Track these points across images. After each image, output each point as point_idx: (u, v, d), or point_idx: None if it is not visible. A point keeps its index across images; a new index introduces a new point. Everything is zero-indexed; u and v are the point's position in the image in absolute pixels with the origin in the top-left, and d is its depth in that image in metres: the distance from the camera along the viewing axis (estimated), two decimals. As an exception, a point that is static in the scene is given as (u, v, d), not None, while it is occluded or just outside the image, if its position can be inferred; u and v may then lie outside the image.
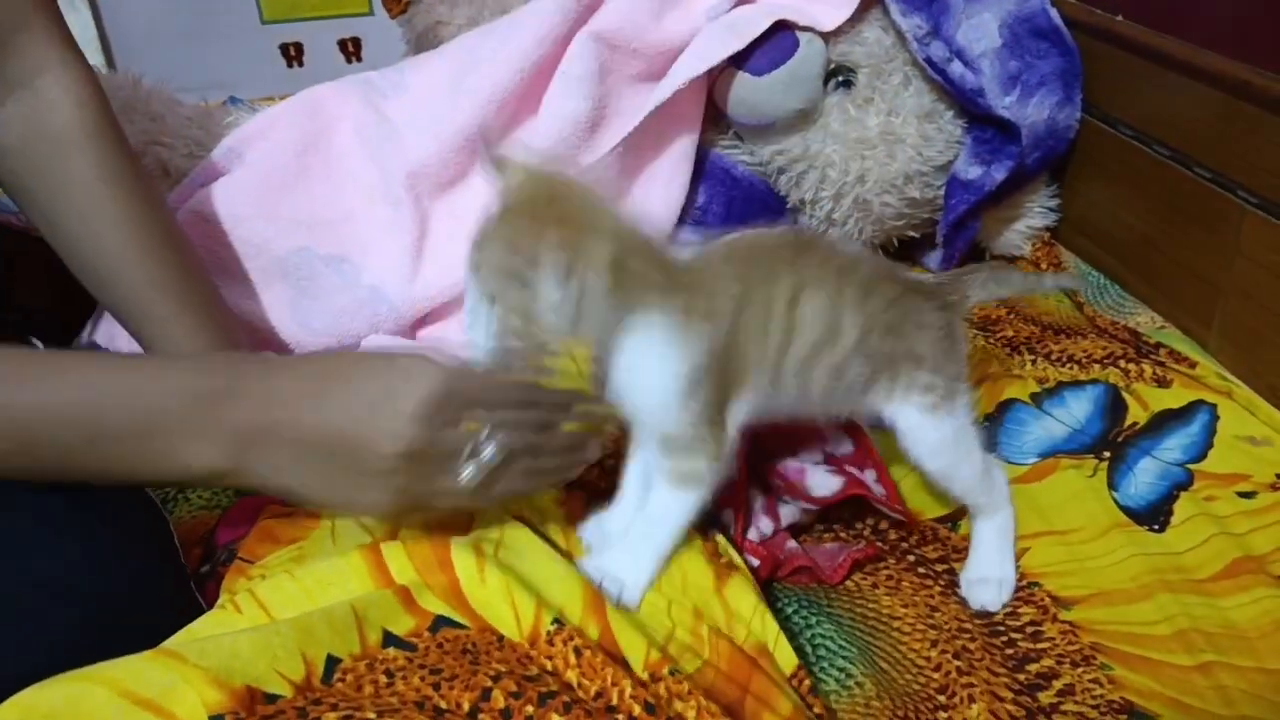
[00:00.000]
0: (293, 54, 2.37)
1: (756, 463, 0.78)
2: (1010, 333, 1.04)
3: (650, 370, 0.61)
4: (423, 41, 1.15)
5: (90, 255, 0.74)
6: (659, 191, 0.99)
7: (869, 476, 0.78)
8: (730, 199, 1.04)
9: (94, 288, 0.77)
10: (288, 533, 0.70)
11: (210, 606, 0.65)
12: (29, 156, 0.73)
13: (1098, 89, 1.08)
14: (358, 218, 0.95)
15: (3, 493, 0.57)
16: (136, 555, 0.63)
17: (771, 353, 0.64)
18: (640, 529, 0.66)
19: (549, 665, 0.56)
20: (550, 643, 0.57)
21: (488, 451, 0.58)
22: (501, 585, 0.59)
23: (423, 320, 0.94)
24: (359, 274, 0.92)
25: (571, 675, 0.56)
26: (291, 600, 0.58)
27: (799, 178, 1.04)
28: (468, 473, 0.58)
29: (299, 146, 0.96)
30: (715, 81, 1.00)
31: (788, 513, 0.77)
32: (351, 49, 2.40)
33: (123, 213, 0.74)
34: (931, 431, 0.70)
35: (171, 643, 0.54)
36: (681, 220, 1.01)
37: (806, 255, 0.66)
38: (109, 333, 0.90)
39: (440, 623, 0.58)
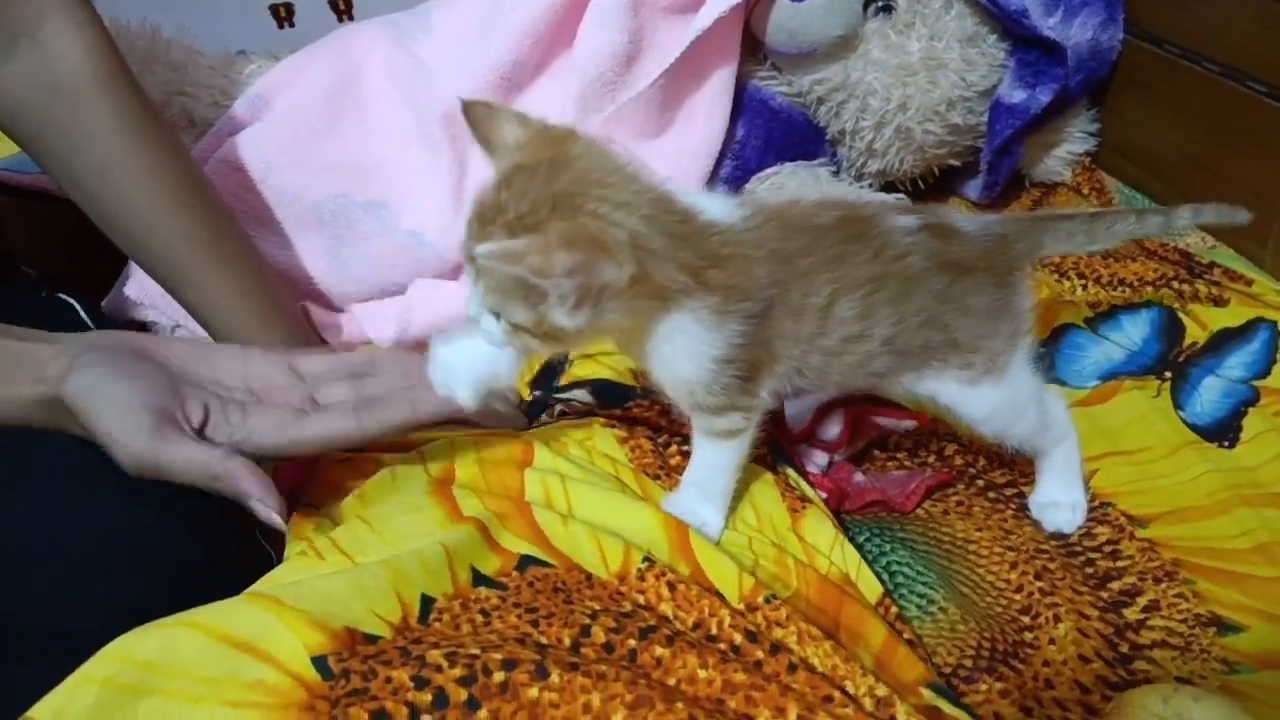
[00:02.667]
0: (283, 14, 2.31)
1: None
2: (1057, 258, 1.02)
3: (680, 359, 0.58)
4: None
5: (117, 211, 0.72)
6: (699, 126, 0.97)
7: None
8: (769, 131, 1.02)
9: (124, 244, 0.75)
10: (348, 478, 0.69)
11: (278, 553, 0.65)
12: (41, 111, 0.69)
13: (1140, 7, 1.05)
14: (393, 162, 0.92)
15: (56, 455, 0.56)
16: (200, 508, 0.62)
17: (800, 344, 0.60)
18: (697, 473, 0.65)
19: (642, 600, 0.56)
20: (641, 578, 0.56)
21: None
22: (584, 526, 0.58)
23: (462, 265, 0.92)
24: (398, 219, 0.90)
25: (666, 608, 0.55)
26: (375, 549, 0.57)
27: (839, 107, 1.02)
28: None
29: (329, 91, 0.94)
30: (753, 10, 0.98)
31: (824, 428, 0.76)
32: (343, 6, 2.35)
33: (146, 164, 0.71)
34: (975, 403, 0.66)
35: (261, 586, 0.53)
36: (721, 155, 0.99)
37: (851, 245, 0.60)
38: (140, 287, 0.88)
39: (526, 561, 0.57)
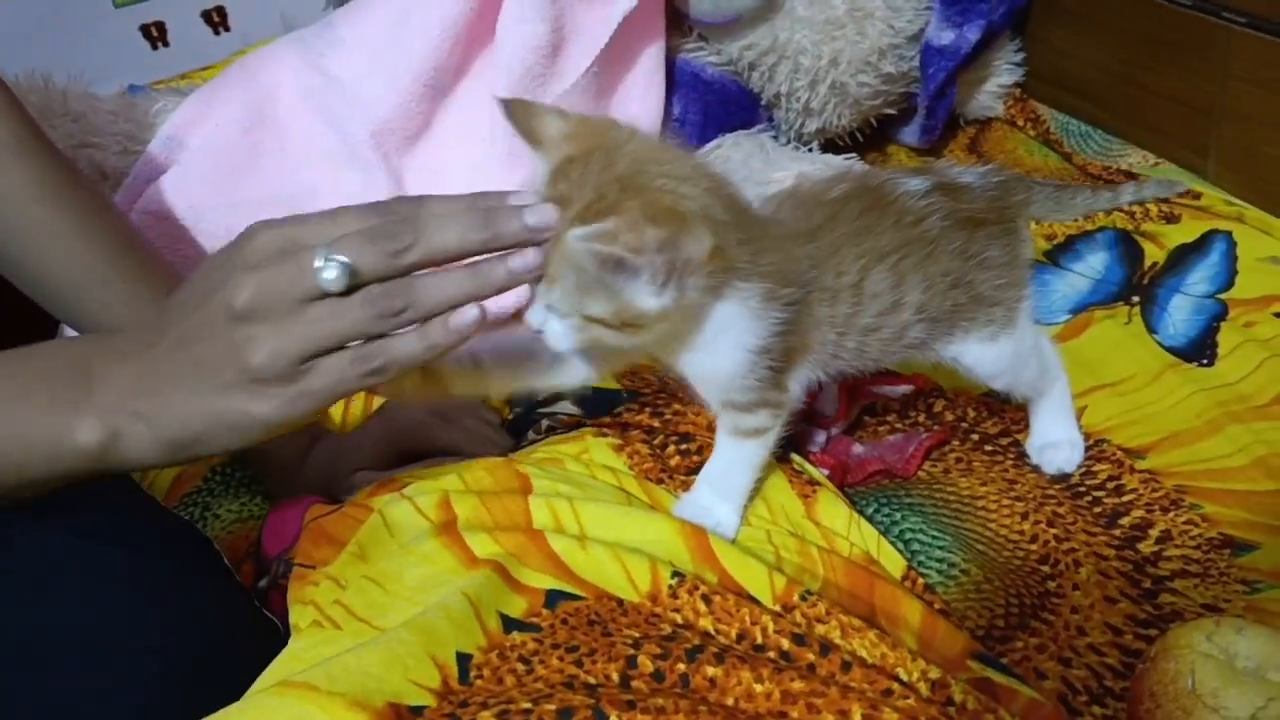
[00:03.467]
0: (155, 34, 2.21)
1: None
2: (1003, 195, 1.02)
3: (722, 346, 0.56)
4: (345, -12, 1.06)
5: (45, 278, 0.68)
6: (634, 109, 0.94)
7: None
8: (706, 104, 1.00)
9: (58, 311, 0.70)
10: (339, 529, 0.66)
11: (280, 621, 0.62)
12: None
13: (1052, -68, 1.05)
14: (325, 188, 0.88)
15: (48, 552, 0.53)
16: (199, 590, 0.59)
17: (838, 325, 0.60)
18: (715, 470, 0.64)
19: (679, 619, 0.54)
20: (674, 596, 0.55)
21: (330, 271, 0.45)
22: (603, 547, 0.56)
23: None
24: (339, 250, 0.86)
25: (706, 623, 0.54)
26: (393, 610, 0.54)
27: (771, 70, 1.00)
28: (327, 276, 0.46)
29: (244, 123, 0.89)
30: (672, -17, 0.95)
31: (822, 400, 0.75)
32: (217, 19, 2.25)
33: (71, 228, 0.67)
34: (992, 359, 0.67)
35: (289, 670, 0.50)
36: (661, 135, 0.97)
37: (871, 216, 0.60)
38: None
39: (554, 597, 0.55)
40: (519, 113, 0.53)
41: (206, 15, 2.21)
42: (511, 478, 0.63)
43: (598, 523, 0.60)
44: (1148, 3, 0.95)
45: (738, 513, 0.63)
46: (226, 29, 2.25)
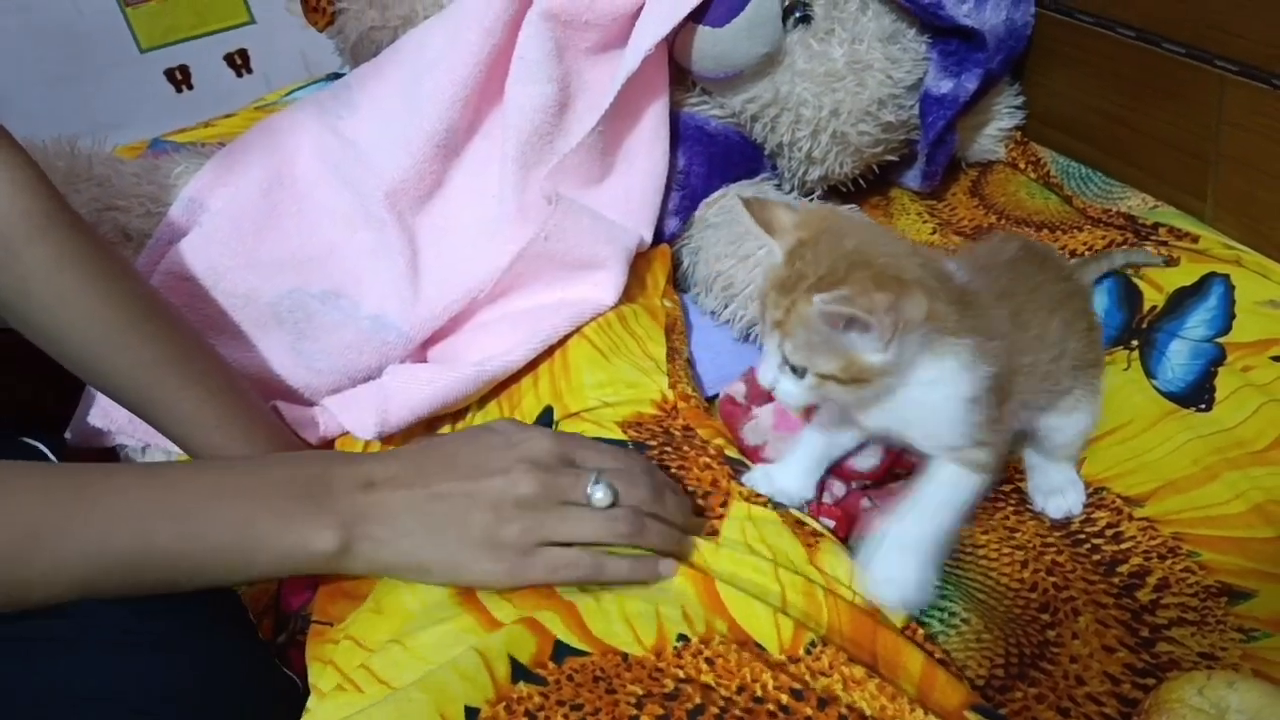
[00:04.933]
0: (179, 78, 2.26)
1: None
2: (1005, 238, 1.04)
3: (939, 401, 0.62)
4: (359, 50, 1.10)
5: (73, 346, 0.70)
6: (641, 164, 0.97)
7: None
8: (710, 157, 1.02)
9: (86, 377, 0.74)
10: (355, 584, 0.68)
11: (299, 677, 0.64)
12: None
13: (1047, -20, 1.07)
14: (342, 249, 0.91)
15: (66, 621, 0.55)
16: (222, 646, 0.61)
17: (1029, 376, 0.67)
18: (912, 517, 0.66)
19: (682, 674, 0.56)
20: (679, 655, 0.57)
21: (600, 491, 0.60)
22: (615, 605, 0.58)
23: (429, 339, 0.91)
24: (357, 306, 0.89)
25: (708, 678, 0.55)
26: (410, 670, 0.56)
27: (773, 122, 1.02)
28: (598, 495, 0.60)
29: (264, 185, 0.92)
30: (675, 41, 0.98)
31: (861, 463, 0.77)
32: (240, 61, 2.30)
33: (96, 296, 0.70)
34: (1068, 430, 0.73)
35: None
36: (666, 188, 0.99)
37: (1043, 274, 0.70)
38: (105, 414, 0.85)
39: (562, 651, 0.56)
40: (755, 208, 0.64)
41: (229, 58, 2.28)
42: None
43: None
44: (1142, 49, 0.97)
45: (929, 585, 0.66)
46: (249, 71, 2.31)
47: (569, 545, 0.60)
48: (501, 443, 0.61)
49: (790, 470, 0.73)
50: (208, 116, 1.42)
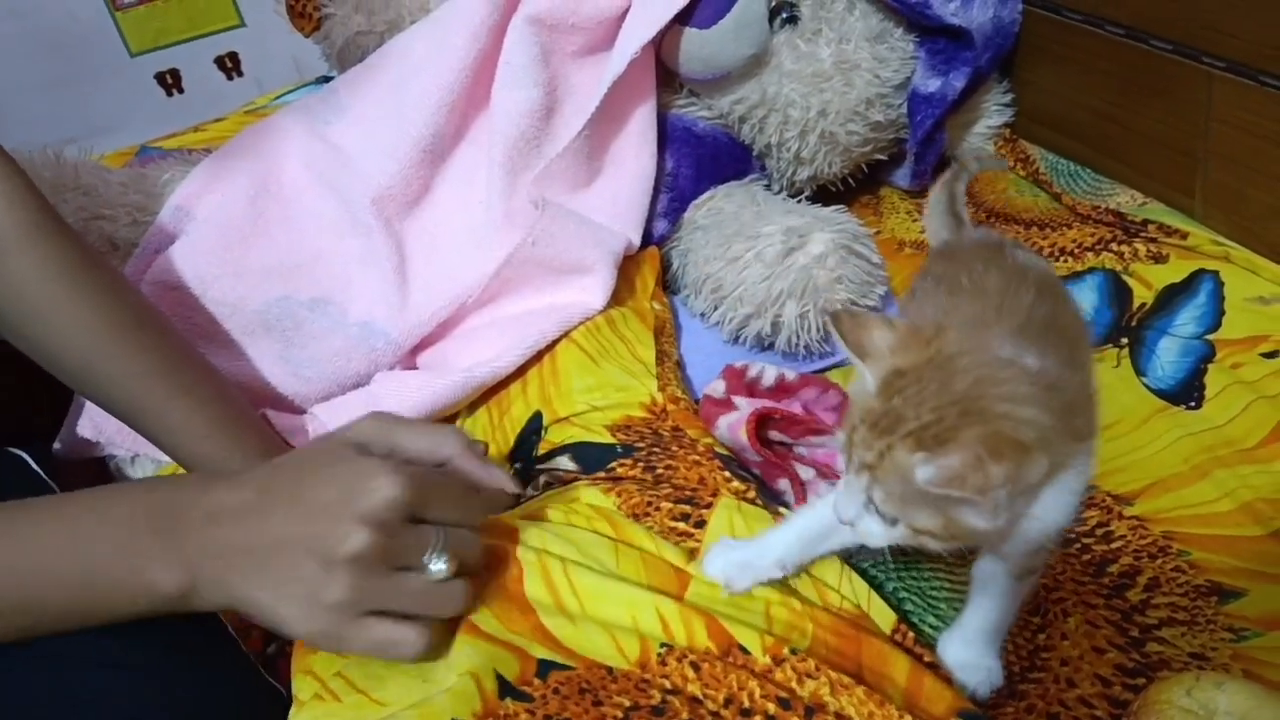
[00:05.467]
0: (170, 82, 2.26)
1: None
2: (999, 231, 1.04)
3: (1057, 511, 0.54)
4: (345, 56, 1.09)
5: (64, 356, 0.70)
6: (629, 167, 0.97)
7: None
8: (698, 159, 1.02)
9: (76, 386, 0.74)
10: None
11: (286, 689, 0.64)
12: None
13: (1034, -22, 1.07)
14: (329, 256, 0.91)
15: (58, 649, 0.55)
16: (202, 661, 0.61)
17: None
18: (992, 623, 0.62)
19: (668, 684, 0.56)
20: (663, 663, 0.56)
21: (438, 564, 0.54)
22: (594, 620, 0.58)
23: (418, 346, 0.91)
24: (345, 313, 0.89)
25: (694, 689, 0.55)
26: (391, 682, 0.56)
27: (761, 123, 1.02)
28: (435, 567, 0.54)
29: (250, 193, 0.92)
30: (662, 42, 0.97)
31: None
32: (230, 64, 2.30)
33: (86, 306, 0.69)
34: None
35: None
36: (654, 190, 0.99)
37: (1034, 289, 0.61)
38: (93, 425, 0.85)
39: (546, 667, 0.56)
40: (846, 325, 0.54)
41: (220, 61, 2.27)
42: (500, 535, 0.65)
43: (590, 594, 0.61)
44: (1131, 47, 0.97)
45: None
46: (239, 74, 2.30)
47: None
48: (350, 481, 0.53)
49: (765, 549, 0.63)
50: (199, 120, 1.42)
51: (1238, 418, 0.76)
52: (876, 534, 0.54)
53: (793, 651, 0.57)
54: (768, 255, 0.89)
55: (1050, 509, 0.54)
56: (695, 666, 0.56)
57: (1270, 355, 0.81)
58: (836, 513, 0.55)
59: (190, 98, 2.25)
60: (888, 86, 1.02)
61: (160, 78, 2.23)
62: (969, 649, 0.62)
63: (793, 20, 1.00)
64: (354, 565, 0.51)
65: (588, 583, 0.60)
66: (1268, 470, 0.72)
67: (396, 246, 0.90)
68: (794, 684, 0.56)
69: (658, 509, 0.69)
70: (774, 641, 0.58)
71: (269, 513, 0.53)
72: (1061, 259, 0.97)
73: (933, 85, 1.02)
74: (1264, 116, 0.84)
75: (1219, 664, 0.62)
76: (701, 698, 0.55)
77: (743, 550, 0.63)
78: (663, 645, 0.57)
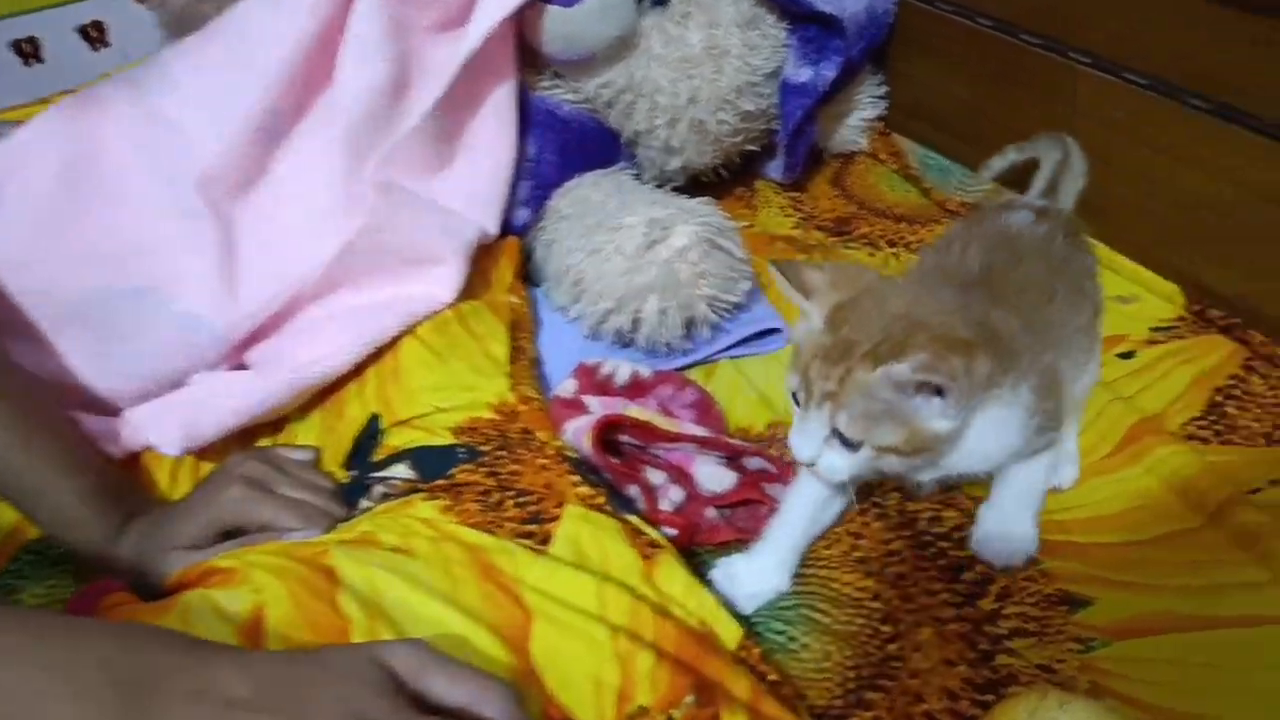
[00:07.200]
0: (27, 50, 2.11)
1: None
2: (866, 229, 1.02)
3: (998, 442, 0.62)
4: (182, 25, 1.01)
5: None
6: (486, 151, 0.91)
7: (754, 463, 0.75)
8: (562, 144, 0.97)
9: None
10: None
11: None
12: None
13: (908, -33, 1.05)
14: (153, 241, 0.83)
15: None
16: None
17: (1070, 345, 0.68)
18: (1013, 496, 0.68)
19: None
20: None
21: None
22: None
23: (248, 340, 0.84)
24: (167, 304, 0.81)
25: None
26: None
27: (629, 109, 0.98)
28: None
29: (65, 172, 0.83)
30: (523, 20, 0.92)
31: (706, 475, 0.73)
32: (94, 34, 2.15)
33: None
34: (1083, 383, 0.74)
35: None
36: (515, 177, 0.94)
37: (1023, 243, 0.70)
38: None
39: None
40: (787, 269, 0.61)
41: (83, 30, 2.12)
42: (316, 570, 0.60)
43: (412, 621, 0.57)
44: (1001, 40, 0.96)
45: (1036, 524, 0.68)
46: (105, 45, 2.15)
47: None
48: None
49: (761, 563, 0.67)
50: (59, 91, 1.31)
51: (1093, 423, 0.76)
52: (839, 467, 0.59)
53: None
54: (629, 247, 0.85)
55: (991, 434, 0.61)
56: None
57: (1126, 356, 0.80)
58: (796, 455, 0.61)
59: (51, 68, 2.10)
60: (758, 75, 0.99)
61: (16, 46, 2.08)
62: (1003, 522, 0.68)
63: (661, 2, 0.96)
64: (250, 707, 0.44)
65: (409, 606, 0.56)
66: (1118, 479, 0.71)
67: (225, 231, 0.83)
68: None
69: (500, 527, 0.64)
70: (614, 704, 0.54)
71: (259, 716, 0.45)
72: (930, 255, 0.96)
73: (804, 75, 0.99)
74: (1126, 112, 0.84)
75: (1066, 676, 0.61)
76: None
77: (748, 581, 0.67)
78: None
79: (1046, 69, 0.91)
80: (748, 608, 0.66)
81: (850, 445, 0.58)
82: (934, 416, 0.57)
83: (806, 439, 0.60)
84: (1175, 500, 0.69)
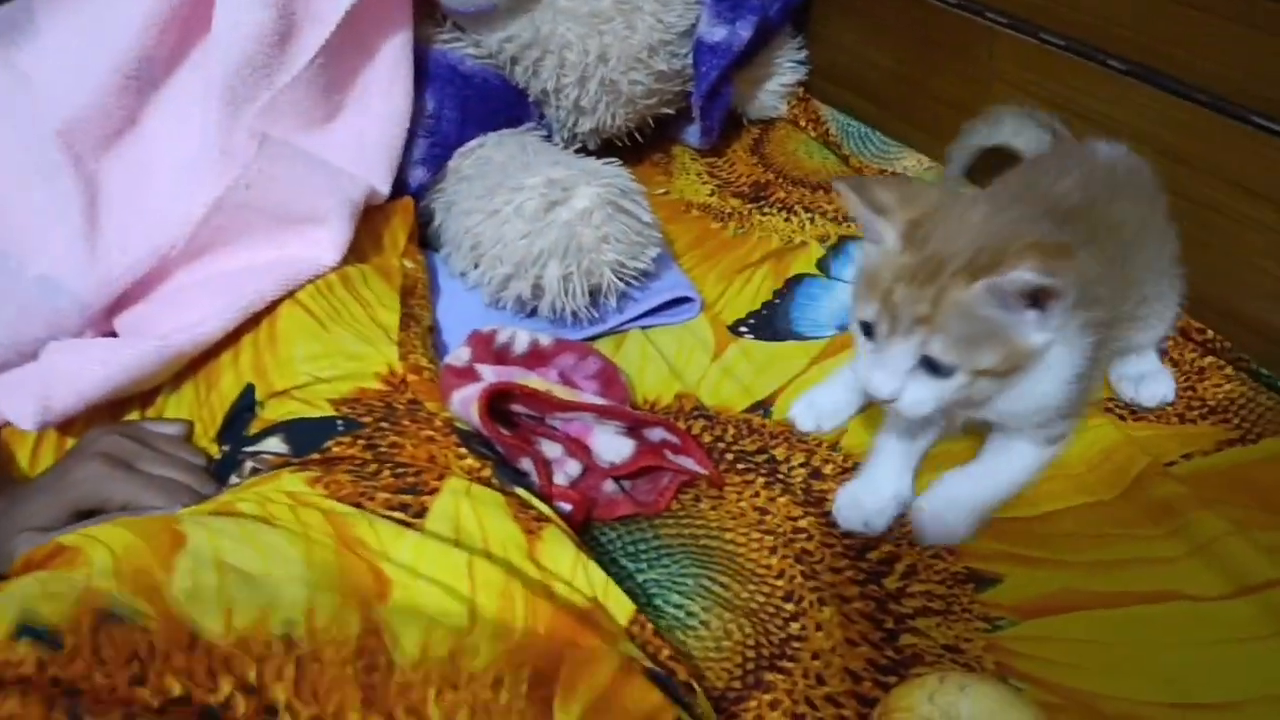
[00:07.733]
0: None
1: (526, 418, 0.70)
2: (782, 195, 0.99)
3: (1049, 384, 0.59)
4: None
5: None
6: (377, 105, 0.85)
7: (655, 435, 0.71)
8: (464, 100, 0.91)
9: None
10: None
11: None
12: None
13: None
14: (7, 200, 0.76)
15: None
16: None
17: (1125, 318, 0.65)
18: (974, 475, 0.65)
19: (250, 679, 0.46)
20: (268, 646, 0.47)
21: None
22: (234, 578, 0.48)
23: (115, 306, 0.77)
24: (22, 267, 0.74)
25: (281, 693, 0.46)
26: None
27: (535, 66, 0.93)
28: None
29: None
30: (418, -34, 0.87)
31: (604, 445, 0.69)
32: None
33: None
34: (1157, 325, 0.73)
35: None
36: (412, 134, 0.88)
37: (1112, 188, 0.65)
38: None
39: (107, 617, 0.46)
40: (855, 185, 0.56)
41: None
42: (165, 541, 0.54)
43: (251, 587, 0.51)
44: (920, 2, 0.92)
45: (967, 522, 0.64)
46: None
47: None
48: None
49: (878, 483, 0.66)
50: None
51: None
52: (924, 399, 0.55)
53: None
54: (528, 209, 0.80)
55: (1050, 369, 0.57)
56: (300, 664, 0.46)
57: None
58: (875, 392, 0.56)
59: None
60: (671, 33, 0.94)
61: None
62: (952, 505, 0.64)
63: (569, -48, 0.91)
64: None
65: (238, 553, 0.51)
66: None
67: (87, 187, 0.76)
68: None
69: (371, 499, 0.59)
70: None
71: None
72: (845, 223, 0.92)
73: (719, 34, 0.95)
74: (1044, 75, 0.81)
75: (973, 656, 0.58)
76: (284, 706, 0.45)
77: (866, 494, 0.66)
78: (284, 634, 0.47)
79: (964, 31, 0.88)
80: (879, 524, 0.65)
81: (941, 372, 0.54)
82: (1032, 331, 0.54)
83: (888, 373, 0.55)
84: (1088, 472, 0.67)
